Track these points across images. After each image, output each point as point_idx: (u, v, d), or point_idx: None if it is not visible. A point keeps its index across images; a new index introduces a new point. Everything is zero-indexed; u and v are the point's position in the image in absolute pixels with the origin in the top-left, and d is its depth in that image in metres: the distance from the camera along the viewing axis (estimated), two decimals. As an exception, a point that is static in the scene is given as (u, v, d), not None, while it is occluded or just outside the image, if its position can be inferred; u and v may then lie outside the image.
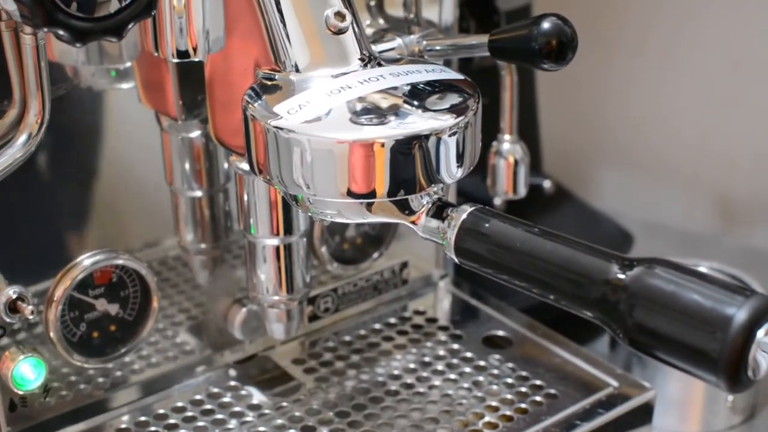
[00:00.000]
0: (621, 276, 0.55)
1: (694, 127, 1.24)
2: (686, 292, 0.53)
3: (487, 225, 0.60)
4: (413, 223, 0.63)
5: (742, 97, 1.20)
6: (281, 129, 0.60)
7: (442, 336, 0.91)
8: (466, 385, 0.84)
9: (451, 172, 0.62)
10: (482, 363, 0.87)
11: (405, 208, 0.63)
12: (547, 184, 1.13)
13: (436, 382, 0.85)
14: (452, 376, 0.85)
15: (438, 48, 0.77)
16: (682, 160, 1.26)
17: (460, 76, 0.66)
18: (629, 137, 1.29)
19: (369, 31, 0.79)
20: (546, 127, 1.15)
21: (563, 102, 1.28)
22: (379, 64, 0.65)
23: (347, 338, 0.91)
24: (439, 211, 0.62)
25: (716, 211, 1.27)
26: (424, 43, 0.77)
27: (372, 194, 0.61)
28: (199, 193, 0.80)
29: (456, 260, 0.62)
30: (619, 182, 1.31)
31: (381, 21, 0.81)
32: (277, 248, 0.76)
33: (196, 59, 0.68)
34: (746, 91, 1.19)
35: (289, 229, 0.75)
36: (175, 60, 0.68)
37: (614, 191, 1.31)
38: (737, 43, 1.18)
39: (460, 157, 0.62)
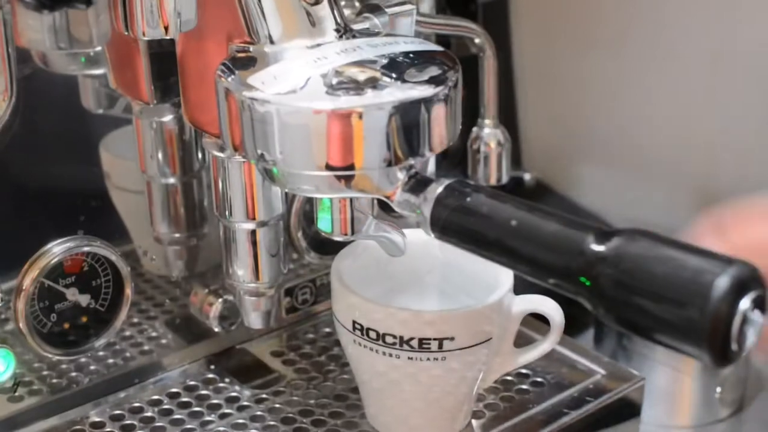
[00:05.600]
0: (600, 248, 0.53)
1: (675, 122, 1.24)
2: (667, 262, 0.51)
3: (463, 198, 0.58)
4: (389, 197, 0.62)
5: (723, 91, 1.19)
6: (256, 100, 0.58)
7: (424, 327, 0.89)
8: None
9: (430, 144, 0.60)
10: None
11: (382, 181, 0.61)
12: (527, 176, 1.12)
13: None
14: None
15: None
16: (664, 156, 1.25)
17: (440, 48, 0.65)
18: (610, 133, 1.28)
19: (345, 12, 0.77)
20: (526, 124, 1.14)
21: (543, 99, 1.27)
22: (354, 36, 0.64)
23: (326, 330, 0.89)
24: (416, 185, 0.61)
25: (698, 207, 1.26)
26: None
27: (350, 167, 0.59)
28: (172, 180, 0.78)
29: (432, 235, 0.60)
30: (601, 178, 1.30)
31: (357, 3, 0.79)
32: (254, 233, 0.74)
33: (168, 37, 0.67)
34: (727, 85, 1.19)
35: (265, 213, 0.73)
36: (146, 38, 0.67)
37: (596, 188, 1.29)
38: (717, 37, 1.18)
39: (438, 130, 0.60)
